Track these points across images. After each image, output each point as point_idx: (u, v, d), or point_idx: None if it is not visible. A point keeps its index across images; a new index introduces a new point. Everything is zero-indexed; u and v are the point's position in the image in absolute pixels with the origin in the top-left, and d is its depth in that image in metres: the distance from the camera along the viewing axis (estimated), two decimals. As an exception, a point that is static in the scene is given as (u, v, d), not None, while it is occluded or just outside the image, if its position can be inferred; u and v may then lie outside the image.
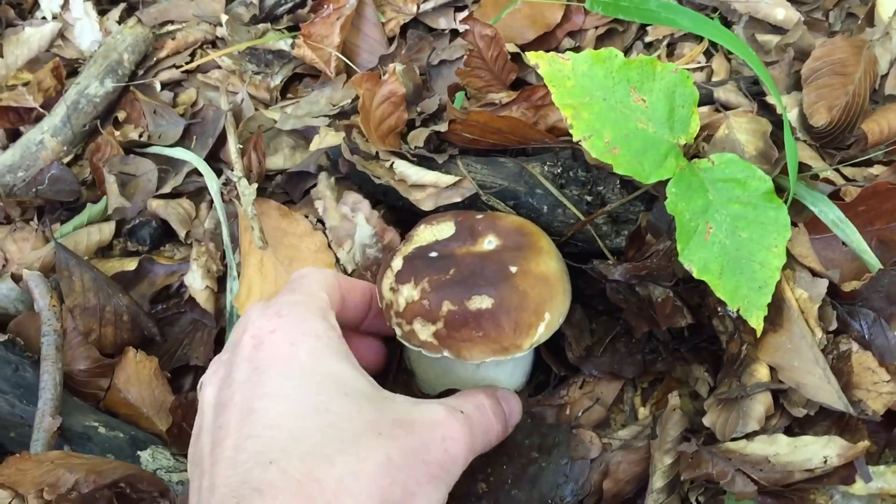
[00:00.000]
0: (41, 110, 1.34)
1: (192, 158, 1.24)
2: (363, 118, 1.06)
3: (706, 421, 0.83)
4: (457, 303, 0.80)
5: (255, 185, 1.10)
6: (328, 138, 1.14)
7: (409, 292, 0.83)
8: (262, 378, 0.69)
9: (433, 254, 0.86)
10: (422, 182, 1.03)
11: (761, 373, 0.81)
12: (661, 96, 0.85)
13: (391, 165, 1.05)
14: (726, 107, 1.13)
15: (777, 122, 1.07)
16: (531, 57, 0.84)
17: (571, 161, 1.02)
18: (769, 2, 1.20)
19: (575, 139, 0.81)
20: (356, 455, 0.64)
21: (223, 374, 0.72)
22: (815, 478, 0.74)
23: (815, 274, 0.84)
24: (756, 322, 0.80)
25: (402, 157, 1.06)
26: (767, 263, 0.80)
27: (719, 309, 0.88)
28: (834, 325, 0.82)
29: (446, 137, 1.07)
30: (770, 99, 1.07)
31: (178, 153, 1.27)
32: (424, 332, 0.82)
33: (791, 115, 1.07)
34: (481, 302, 0.80)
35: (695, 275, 0.79)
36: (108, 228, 1.22)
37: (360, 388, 0.71)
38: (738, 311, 0.80)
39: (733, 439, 0.78)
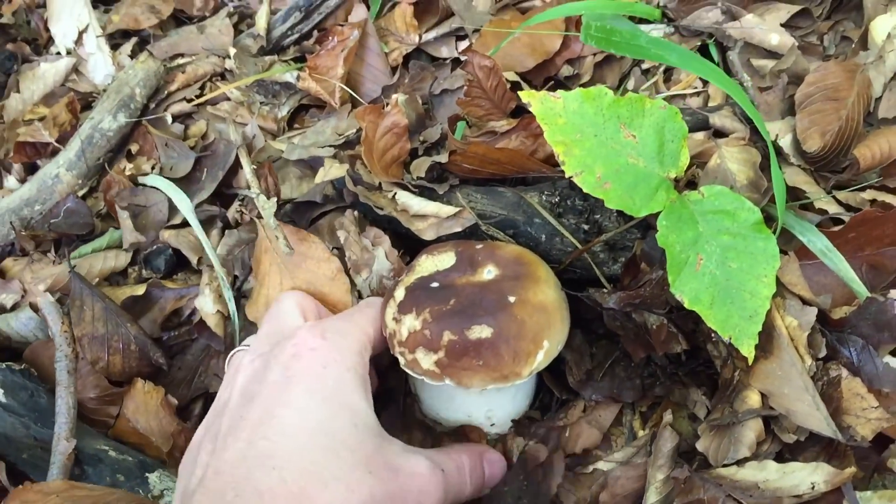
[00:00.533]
0: (56, 145, 1.38)
1: (164, 185, 1.27)
2: (366, 150, 1.09)
3: (699, 446, 0.85)
4: (457, 332, 0.83)
5: (275, 199, 1.12)
6: (332, 170, 1.17)
7: (411, 322, 0.86)
8: (289, 387, 0.76)
9: (434, 284, 0.89)
10: (423, 213, 1.05)
11: (753, 399, 0.84)
12: (650, 132, 0.87)
13: (393, 196, 1.08)
14: (721, 132, 1.15)
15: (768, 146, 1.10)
16: (524, 96, 0.87)
17: (569, 190, 1.04)
18: (764, 27, 1.22)
19: (567, 175, 0.83)
20: (346, 485, 0.70)
21: (258, 366, 0.81)
22: None
23: (804, 302, 0.87)
24: (747, 351, 0.82)
25: (405, 187, 1.09)
26: (757, 293, 0.82)
27: (713, 335, 0.90)
28: (823, 353, 0.84)
29: (447, 168, 1.10)
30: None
31: (153, 181, 1.29)
32: (426, 361, 0.85)
33: (785, 141, 1.09)
34: (481, 332, 0.83)
35: (686, 305, 0.81)
36: (125, 256, 1.26)
37: (369, 424, 0.78)
38: (729, 339, 0.82)
39: (724, 465, 0.80)
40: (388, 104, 1.11)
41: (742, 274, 0.83)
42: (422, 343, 0.85)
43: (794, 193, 1.05)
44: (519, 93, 0.89)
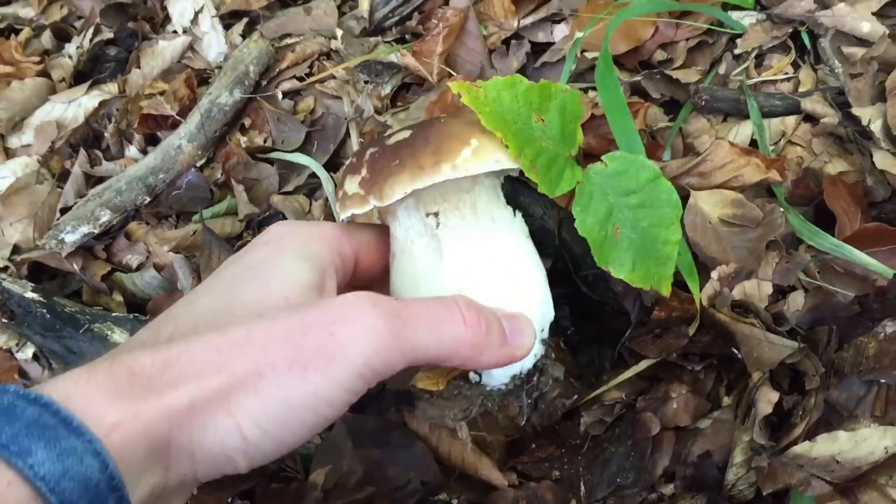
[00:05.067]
0: (177, 117, 1.49)
1: (310, 163, 1.38)
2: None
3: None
4: (378, 145, 0.77)
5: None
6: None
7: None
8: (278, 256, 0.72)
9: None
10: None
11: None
12: (555, 115, 0.89)
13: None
14: (812, 117, 1.20)
15: (860, 132, 1.15)
16: (453, 87, 0.84)
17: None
18: (855, 16, 1.26)
19: (512, 157, 0.81)
20: (224, 331, 0.61)
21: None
22: (879, 465, 0.82)
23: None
24: (666, 291, 0.88)
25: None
26: (668, 240, 0.87)
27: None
28: None
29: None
30: (854, 110, 1.14)
31: (298, 158, 1.40)
32: (352, 186, 0.76)
33: (875, 126, 1.13)
34: (400, 136, 0.76)
35: (613, 274, 0.85)
36: (240, 223, 1.37)
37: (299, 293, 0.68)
38: (650, 287, 0.87)
39: (794, 442, 0.86)
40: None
41: (653, 228, 0.87)
42: (349, 171, 0.77)
43: (881, 177, 1.10)
44: (449, 83, 0.87)
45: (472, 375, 0.78)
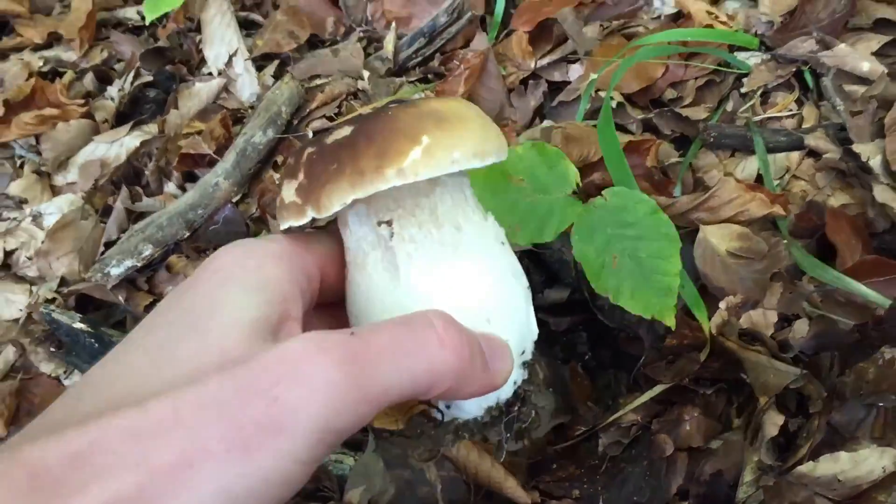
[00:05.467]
0: (214, 156, 1.58)
1: None
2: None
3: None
4: (316, 143, 0.63)
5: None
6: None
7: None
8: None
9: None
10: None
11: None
12: (531, 170, 0.99)
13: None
14: (816, 152, 1.27)
15: (861, 166, 1.21)
16: None
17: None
18: (855, 55, 1.33)
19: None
20: (146, 408, 0.47)
21: None
22: (878, 484, 0.88)
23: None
24: (671, 322, 0.94)
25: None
26: (668, 272, 0.95)
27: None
28: None
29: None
30: (855, 147, 1.21)
31: None
32: (289, 193, 0.63)
33: (875, 161, 1.20)
34: (340, 133, 0.62)
35: (612, 300, 0.94)
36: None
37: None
38: (652, 317, 0.94)
39: (799, 462, 0.92)
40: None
41: (651, 260, 0.95)
42: (286, 176, 0.64)
43: (882, 209, 1.17)
44: None
45: (434, 412, 0.67)
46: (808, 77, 1.37)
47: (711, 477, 1.04)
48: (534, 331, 0.69)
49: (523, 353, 0.67)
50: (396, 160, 0.58)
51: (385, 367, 0.51)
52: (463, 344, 0.55)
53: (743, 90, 1.40)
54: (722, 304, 1.07)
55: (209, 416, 0.46)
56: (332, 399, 0.48)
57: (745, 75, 1.41)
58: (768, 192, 1.16)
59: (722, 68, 1.42)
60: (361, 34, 1.74)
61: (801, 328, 1.06)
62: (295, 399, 0.47)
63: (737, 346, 1.03)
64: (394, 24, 1.70)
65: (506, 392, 0.67)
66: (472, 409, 0.66)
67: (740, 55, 1.42)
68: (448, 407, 0.66)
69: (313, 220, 0.60)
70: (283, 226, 0.63)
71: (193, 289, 0.57)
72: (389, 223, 0.64)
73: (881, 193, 1.18)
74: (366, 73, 1.60)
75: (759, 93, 1.39)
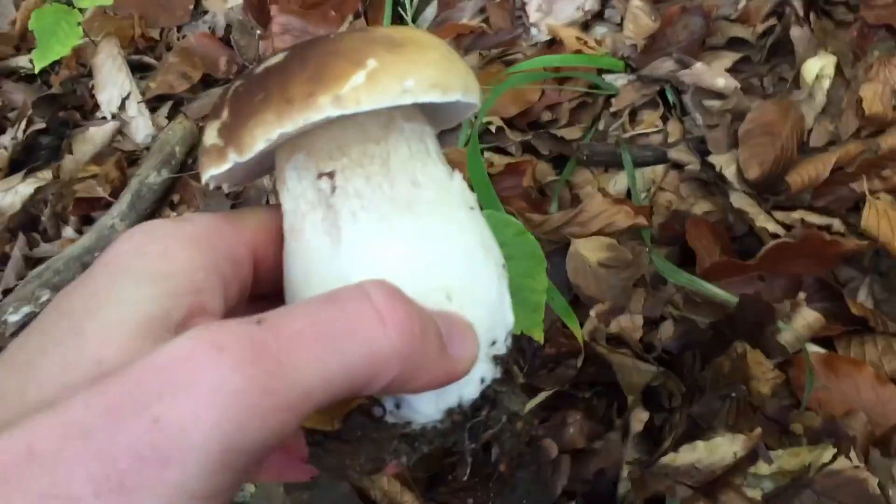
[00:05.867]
0: (109, 198, 1.60)
1: None
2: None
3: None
4: (246, 76, 0.52)
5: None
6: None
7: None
8: None
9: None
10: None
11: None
12: None
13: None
14: (678, 164, 1.36)
15: (718, 175, 1.31)
16: None
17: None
18: (711, 73, 1.43)
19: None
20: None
21: None
22: (732, 468, 0.95)
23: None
24: (539, 336, 1.01)
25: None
26: (535, 289, 1.01)
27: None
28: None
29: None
30: (712, 158, 1.31)
31: None
32: (210, 134, 0.51)
33: (730, 170, 1.30)
34: (271, 60, 0.51)
35: None
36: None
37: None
38: (521, 332, 1.01)
39: (664, 454, 1.00)
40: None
41: (521, 278, 1.01)
42: (210, 117, 0.52)
43: (739, 215, 1.26)
44: None
45: (375, 409, 0.52)
46: (671, 94, 1.47)
47: (594, 476, 1.10)
48: (508, 319, 0.58)
49: (494, 343, 0.54)
50: (334, 85, 0.46)
51: (304, 360, 0.38)
52: (411, 319, 0.42)
53: (612, 110, 1.49)
54: (592, 312, 1.14)
55: (72, 451, 0.35)
56: (233, 411, 0.35)
57: (615, 96, 1.50)
58: (633, 204, 1.24)
59: (593, 90, 1.51)
60: (254, 72, 1.78)
61: (667, 329, 1.14)
62: (182, 417, 0.35)
63: (606, 350, 1.10)
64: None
65: (470, 392, 0.52)
66: (429, 410, 0.51)
67: (608, 77, 1.51)
68: (398, 406, 0.51)
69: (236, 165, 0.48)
70: (205, 176, 0.51)
71: (80, 287, 0.45)
72: (332, 175, 0.52)
73: (737, 200, 1.27)
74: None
75: (627, 112, 1.48)
